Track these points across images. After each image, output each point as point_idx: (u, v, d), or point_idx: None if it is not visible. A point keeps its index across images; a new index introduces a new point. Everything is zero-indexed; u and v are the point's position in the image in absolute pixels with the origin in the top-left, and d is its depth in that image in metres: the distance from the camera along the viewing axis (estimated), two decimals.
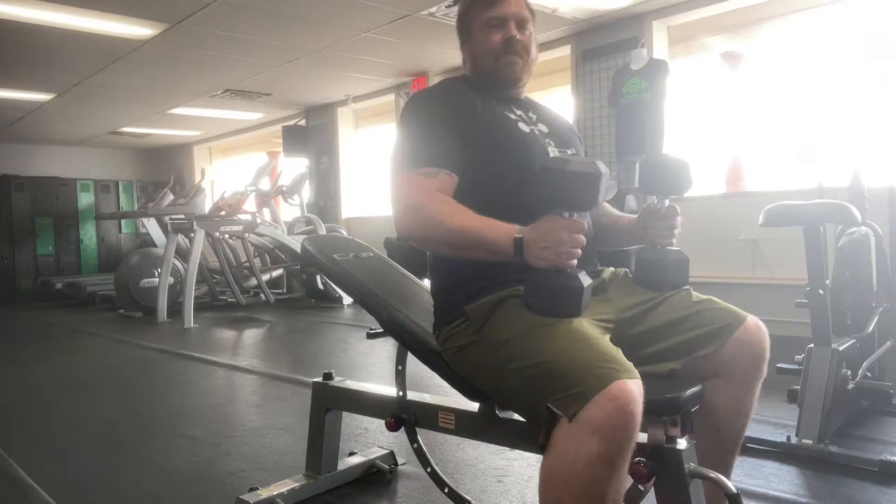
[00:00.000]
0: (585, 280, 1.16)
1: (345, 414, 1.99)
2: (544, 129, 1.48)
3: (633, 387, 1.02)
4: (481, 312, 1.25)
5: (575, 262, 1.15)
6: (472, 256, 1.25)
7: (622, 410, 0.99)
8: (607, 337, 1.19)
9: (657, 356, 1.29)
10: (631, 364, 1.07)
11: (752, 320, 1.31)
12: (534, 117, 1.50)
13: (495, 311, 1.24)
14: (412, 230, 1.31)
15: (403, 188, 1.33)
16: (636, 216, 1.48)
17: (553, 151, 1.43)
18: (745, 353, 1.29)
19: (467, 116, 1.38)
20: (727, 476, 1.30)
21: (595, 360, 1.05)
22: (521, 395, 1.14)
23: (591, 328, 1.15)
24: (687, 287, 1.38)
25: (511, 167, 1.36)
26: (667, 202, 1.40)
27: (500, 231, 1.20)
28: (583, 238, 1.15)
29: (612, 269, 1.46)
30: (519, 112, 1.48)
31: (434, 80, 6.08)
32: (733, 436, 1.34)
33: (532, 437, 1.09)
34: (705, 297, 1.36)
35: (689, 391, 1.16)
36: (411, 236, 1.32)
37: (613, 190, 4.69)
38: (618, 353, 1.09)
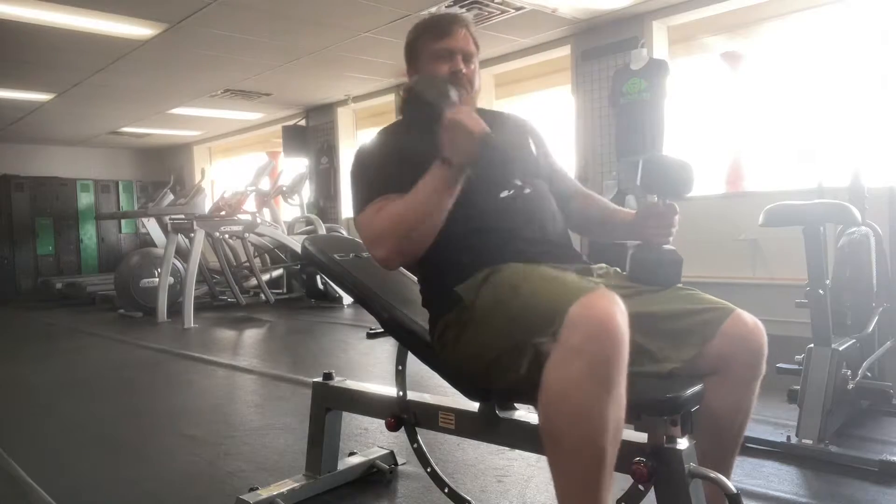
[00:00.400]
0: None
1: (345, 414, 1.99)
2: None
3: (605, 298, 1.04)
4: (472, 287, 1.27)
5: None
6: (441, 207, 1.28)
7: (600, 323, 1.00)
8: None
9: (656, 352, 1.29)
10: (602, 283, 1.11)
11: (747, 316, 1.31)
12: None
13: (484, 283, 1.26)
14: (388, 251, 1.33)
15: (365, 231, 1.39)
16: (634, 212, 1.49)
17: None
18: (739, 350, 1.29)
19: (406, 162, 1.41)
20: (727, 476, 1.30)
21: (564, 286, 1.11)
22: (512, 356, 1.14)
23: (571, 276, 1.19)
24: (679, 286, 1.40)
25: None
26: (666, 201, 1.41)
27: (430, 173, 1.27)
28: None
29: (604, 264, 1.47)
30: None
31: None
32: (733, 435, 1.34)
33: (532, 436, 1.09)
34: (691, 290, 1.37)
35: (689, 391, 1.16)
36: (391, 258, 1.34)
37: (613, 190, 4.69)
38: (586, 280, 1.13)
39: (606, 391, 1.01)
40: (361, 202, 1.43)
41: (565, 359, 1.02)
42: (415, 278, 1.61)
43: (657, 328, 1.28)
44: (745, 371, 1.31)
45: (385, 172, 1.42)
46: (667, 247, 1.40)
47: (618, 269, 1.46)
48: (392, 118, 6.76)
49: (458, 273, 1.33)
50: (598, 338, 1.00)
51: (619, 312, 1.03)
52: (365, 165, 1.48)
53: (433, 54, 1.50)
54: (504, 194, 1.43)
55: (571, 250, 1.50)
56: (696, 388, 1.18)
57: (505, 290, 1.21)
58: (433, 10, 4.35)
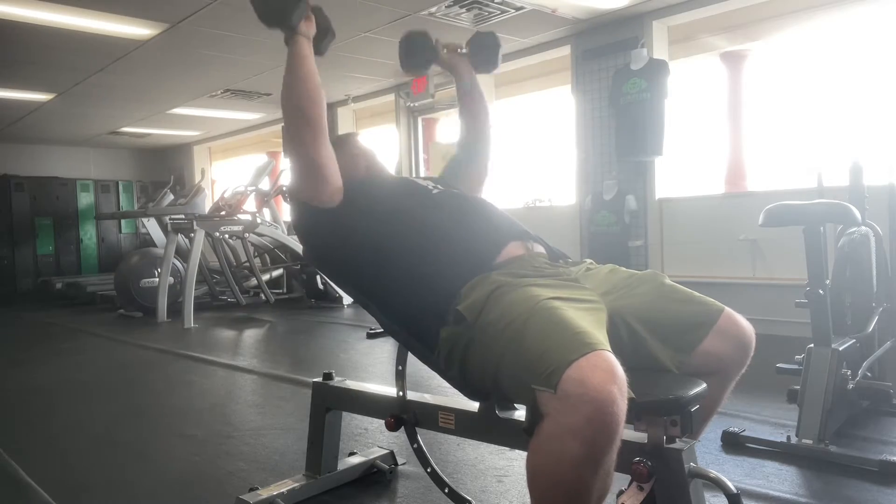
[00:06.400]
0: None
1: (345, 414, 1.99)
2: None
3: (605, 372, 1.01)
4: (475, 306, 1.26)
5: None
6: (297, 73, 1.46)
7: (600, 408, 0.99)
8: (600, 315, 1.22)
9: (653, 351, 1.30)
10: (604, 342, 1.09)
11: (737, 315, 1.34)
12: None
13: (488, 301, 1.25)
14: (309, 156, 1.44)
15: (294, 189, 1.52)
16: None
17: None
18: (731, 348, 1.31)
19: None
20: None
21: (569, 335, 1.08)
22: (514, 382, 1.15)
23: (574, 312, 1.17)
24: (651, 271, 1.44)
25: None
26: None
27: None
28: None
29: (590, 260, 1.49)
30: None
31: (434, 80, 6.08)
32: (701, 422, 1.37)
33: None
34: (677, 286, 1.39)
35: (690, 391, 1.16)
36: (320, 162, 1.43)
37: (613, 190, 4.69)
38: (591, 326, 1.12)
39: (595, 473, 1.03)
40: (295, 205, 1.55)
41: (561, 437, 1.01)
42: None
43: (650, 330, 1.30)
44: (732, 368, 1.34)
45: None
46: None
47: (615, 266, 1.47)
48: (392, 118, 6.77)
49: (446, 288, 1.32)
50: (596, 423, 0.99)
51: (617, 391, 1.01)
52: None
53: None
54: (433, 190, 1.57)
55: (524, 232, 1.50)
56: (697, 388, 1.18)
57: (512, 320, 1.18)
58: (433, 9, 4.35)
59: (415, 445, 1.76)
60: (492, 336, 1.20)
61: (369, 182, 1.60)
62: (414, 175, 6.45)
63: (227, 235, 6.24)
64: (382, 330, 1.63)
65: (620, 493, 1.19)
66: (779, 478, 1.92)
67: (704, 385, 1.20)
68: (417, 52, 1.75)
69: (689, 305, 1.34)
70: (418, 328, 1.39)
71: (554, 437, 1.02)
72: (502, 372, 1.18)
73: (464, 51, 1.79)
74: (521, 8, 4.36)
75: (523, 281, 1.27)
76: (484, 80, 5.80)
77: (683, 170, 4.84)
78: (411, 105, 6.46)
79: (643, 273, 1.43)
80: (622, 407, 1.01)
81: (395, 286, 1.42)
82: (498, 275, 1.29)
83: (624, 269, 1.45)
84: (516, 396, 1.23)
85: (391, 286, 1.43)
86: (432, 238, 1.41)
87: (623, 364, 1.04)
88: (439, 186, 1.61)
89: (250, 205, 6.94)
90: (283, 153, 1.56)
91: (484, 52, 1.78)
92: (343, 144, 1.66)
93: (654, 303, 1.34)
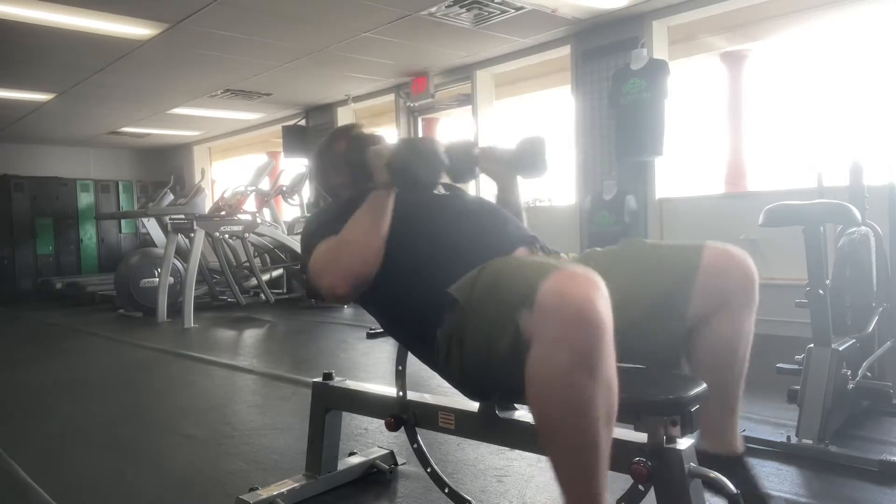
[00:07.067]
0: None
1: (345, 414, 1.99)
2: None
3: (578, 280, 1.03)
4: (465, 287, 1.27)
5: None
6: (372, 223, 1.38)
7: (577, 310, 0.99)
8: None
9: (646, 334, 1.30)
10: (576, 259, 1.15)
11: (721, 246, 1.35)
12: None
13: (477, 280, 1.26)
14: (333, 277, 1.40)
15: (312, 268, 1.46)
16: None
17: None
18: (726, 279, 1.32)
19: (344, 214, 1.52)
20: (736, 407, 1.36)
21: (539, 265, 1.13)
22: (501, 332, 1.14)
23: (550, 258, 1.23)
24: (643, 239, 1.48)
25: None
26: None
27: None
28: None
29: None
30: None
31: (434, 80, 6.09)
32: (737, 364, 1.35)
33: (532, 436, 1.09)
34: (658, 244, 1.41)
35: (690, 391, 1.16)
36: (336, 285, 1.40)
37: (613, 190, 4.69)
38: (560, 260, 1.17)
39: (593, 378, 1.00)
40: (307, 252, 1.50)
41: (547, 352, 1.01)
42: None
43: (632, 317, 1.28)
44: (738, 298, 1.33)
45: (326, 221, 1.52)
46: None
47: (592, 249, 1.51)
48: (392, 118, 6.77)
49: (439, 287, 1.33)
50: (577, 325, 0.99)
51: (595, 293, 1.01)
52: (310, 229, 1.57)
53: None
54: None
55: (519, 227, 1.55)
56: (698, 388, 1.18)
57: (490, 281, 1.23)
58: (433, 9, 4.35)
59: (415, 445, 1.76)
60: (480, 305, 1.21)
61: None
62: None
63: (227, 235, 6.24)
64: (382, 330, 1.63)
65: (621, 500, 1.19)
66: (779, 478, 1.92)
67: (705, 385, 1.19)
68: (460, 161, 1.63)
69: (668, 263, 1.34)
70: (424, 334, 1.39)
71: (541, 355, 1.02)
72: (493, 337, 1.16)
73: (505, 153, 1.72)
74: (521, 8, 4.36)
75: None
76: (484, 80, 5.79)
77: (683, 170, 4.84)
78: (411, 105, 6.46)
79: (620, 248, 1.45)
80: (604, 306, 1.01)
81: (402, 292, 1.42)
82: None
83: (600, 249, 1.49)
84: (510, 356, 1.15)
85: (397, 292, 1.43)
86: (440, 246, 1.42)
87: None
88: (444, 185, 1.62)
89: (250, 205, 6.94)
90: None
91: (530, 157, 1.68)
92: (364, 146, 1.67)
93: (633, 279, 1.34)
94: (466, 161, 1.67)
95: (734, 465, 1.34)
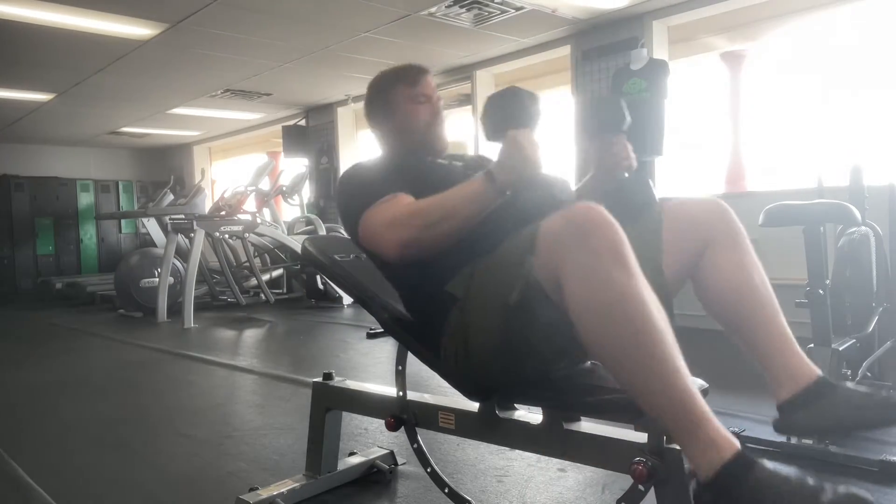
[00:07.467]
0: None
1: (345, 414, 1.99)
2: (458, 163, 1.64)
3: (577, 207, 1.05)
4: (461, 282, 1.27)
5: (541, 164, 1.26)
6: (467, 215, 1.28)
7: (586, 219, 1.02)
8: None
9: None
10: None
11: (681, 200, 1.39)
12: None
13: (473, 274, 1.27)
14: (405, 240, 1.32)
15: (374, 221, 1.38)
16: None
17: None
18: (695, 222, 1.34)
19: (405, 176, 1.48)
20: (793, 351, 1.29)
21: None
22: (513, 293, 1.14)
23: None
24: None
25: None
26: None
27: (469, 181, 1.30)
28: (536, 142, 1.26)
29: None
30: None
31: (434, 80, 6.08)
32: (761, 296, 1.32)
33: (532, 436, 1.09)
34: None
35: None
36: (407, 245, 1.32)
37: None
38: None
39: (629, 273, 1.00)
40: (366, 201, 1.42)
41: (579, 265, 1.01)
42: None
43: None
44: (718, 234, 1.35)
45: (390, 179, 1.45)
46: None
47: None
48: None
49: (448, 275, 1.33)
50: (594, 230, 1.01)
51: (592, 206, 1.04)
52: (362, 177, 1.52)
53: (412, 99, 1.63)
54: None
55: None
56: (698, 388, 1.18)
57: (485, 266, 1.23)
58: (433, 9, 4.35)
59: (415, 445, 1.76)
60: (479, 293, 1.21)
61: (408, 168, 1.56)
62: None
63: (227, 235, 6.24)
64: (382, 330, 1.63)
65: (621, 500, 1.19)
66: None
67: (706, 385, 1.19)
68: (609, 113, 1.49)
69: (637, 227, 1.32)
70: (429, 332, 1.39)
71: (574, 272, 1.02)
72: (501, 296, 1.16)
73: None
74: (521, 8, 4.36)
75: None
76: (484, 80, 5.79)
77: (683, 170, 4.84)
78: None
79: None
80: (607, 214, 1.03)
81: (416, 283, 1.42)
82: None
83: None
84: (522, 305, 1.14)
85: (414, 283, 1.42)
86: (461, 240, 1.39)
87: None
88: (459, 163, 1.63)
89: (250, 205, 6.94)
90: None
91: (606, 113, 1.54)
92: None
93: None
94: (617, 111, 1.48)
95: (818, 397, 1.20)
